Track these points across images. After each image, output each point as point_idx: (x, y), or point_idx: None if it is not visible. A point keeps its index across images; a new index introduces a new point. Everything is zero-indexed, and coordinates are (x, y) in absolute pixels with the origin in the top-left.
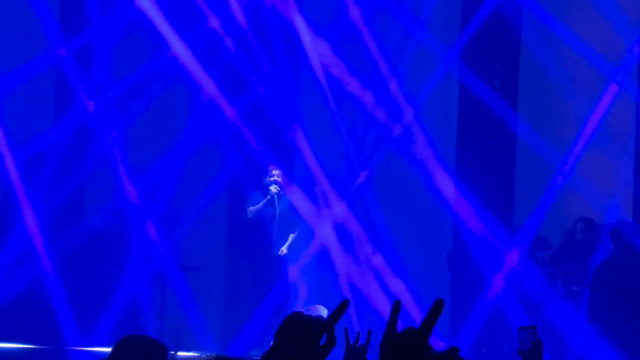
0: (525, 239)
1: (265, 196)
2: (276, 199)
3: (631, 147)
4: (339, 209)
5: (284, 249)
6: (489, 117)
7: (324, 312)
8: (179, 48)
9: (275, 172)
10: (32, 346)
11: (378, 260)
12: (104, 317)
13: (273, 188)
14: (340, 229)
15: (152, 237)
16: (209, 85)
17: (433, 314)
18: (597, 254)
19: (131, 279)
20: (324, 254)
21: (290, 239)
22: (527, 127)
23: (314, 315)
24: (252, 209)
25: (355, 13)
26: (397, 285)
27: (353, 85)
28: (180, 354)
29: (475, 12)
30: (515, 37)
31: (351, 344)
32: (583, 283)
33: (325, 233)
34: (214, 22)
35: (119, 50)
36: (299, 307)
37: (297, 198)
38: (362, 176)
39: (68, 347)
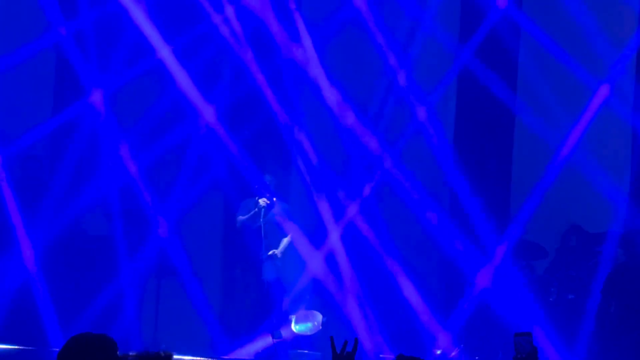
0: (515, 235)
1: (255, 204)
2: (262, 213)
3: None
4: (348, 216)
5: (277, 252)
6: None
7: (319, 317)
8: (165, 52)
9: (267, 184)
10: (17, 347)
11: (390, 262)
12: (97, 319)
13: (261, 201)
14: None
15: (163, 234)
16: (192, 88)
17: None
18: (600, 262)
19: (123, 281)
20: (315, 285)
21: (284, 243)
22: (525, 122)
23: (310, 319)
24: (240, 218)
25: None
26: (407, 286)
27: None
28: (175, 357)
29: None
30: (513, 50)
31: (337, 352)
32: (578, 291)
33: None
34: (211, 28)
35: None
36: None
37: (293, 233)
38: (367, 189)
39: (52, 349)
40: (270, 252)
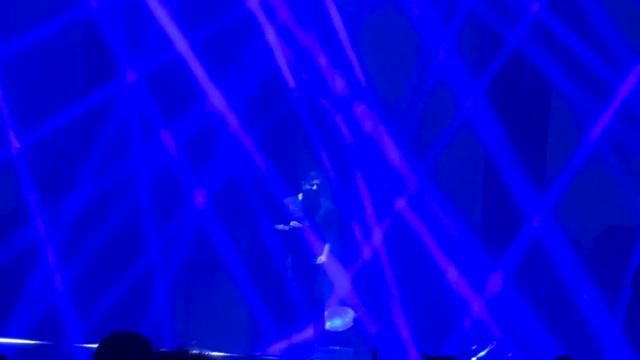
0: (552, 201)
1: (297, 203)
2: (291, 235)
3: None
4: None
5: (322, 258)
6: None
7: (351, 313)
8: (184, 49)
9: (315, 181)
10: (39, 342)
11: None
12: (128, 315)
13: (292, 224)
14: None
15: (200, 205)
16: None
17: None
18: (636, 259)
19: (155, 278)
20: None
21: (326, 249)
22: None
23: (342, 315)
24: (278, 227)
25: None
26: (452, 271)
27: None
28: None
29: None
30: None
31: None
32: (614, 288)
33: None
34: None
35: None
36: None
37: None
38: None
39: (75, 344)
40: (317, 261)
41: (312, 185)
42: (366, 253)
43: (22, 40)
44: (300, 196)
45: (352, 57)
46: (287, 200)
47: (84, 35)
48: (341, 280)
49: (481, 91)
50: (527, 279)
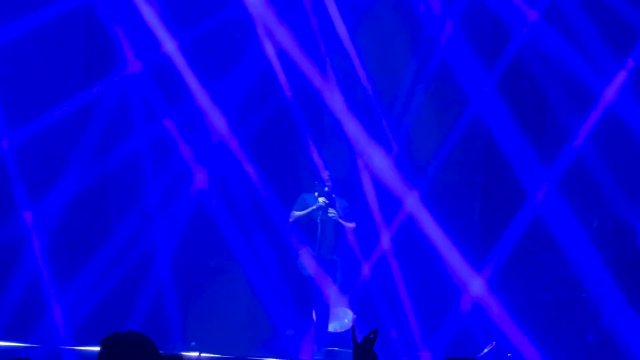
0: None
1: (313, 200)
2: (320, 214)
3: None
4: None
5: (333, 211)
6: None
7: (349, 314)
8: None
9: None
10: (26, 345)
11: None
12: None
13: (321, 200)
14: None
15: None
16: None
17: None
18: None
19: (154, 279)
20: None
21: (350, 225)
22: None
23: (341, 316)
24: (296, 214)
25: None
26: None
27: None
28: (205, 355)
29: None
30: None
31: (358, 341)
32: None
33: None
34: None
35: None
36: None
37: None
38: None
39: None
40: (329, 213)
41: (325, 186)
42: (366, 270)
43: (19, 27)
44: (316, 194)
45: (352, 52)
46: (303, 196)
47: (83, 24)
48: (338, 301)
49: (483, 88)
50: (525, 278)
